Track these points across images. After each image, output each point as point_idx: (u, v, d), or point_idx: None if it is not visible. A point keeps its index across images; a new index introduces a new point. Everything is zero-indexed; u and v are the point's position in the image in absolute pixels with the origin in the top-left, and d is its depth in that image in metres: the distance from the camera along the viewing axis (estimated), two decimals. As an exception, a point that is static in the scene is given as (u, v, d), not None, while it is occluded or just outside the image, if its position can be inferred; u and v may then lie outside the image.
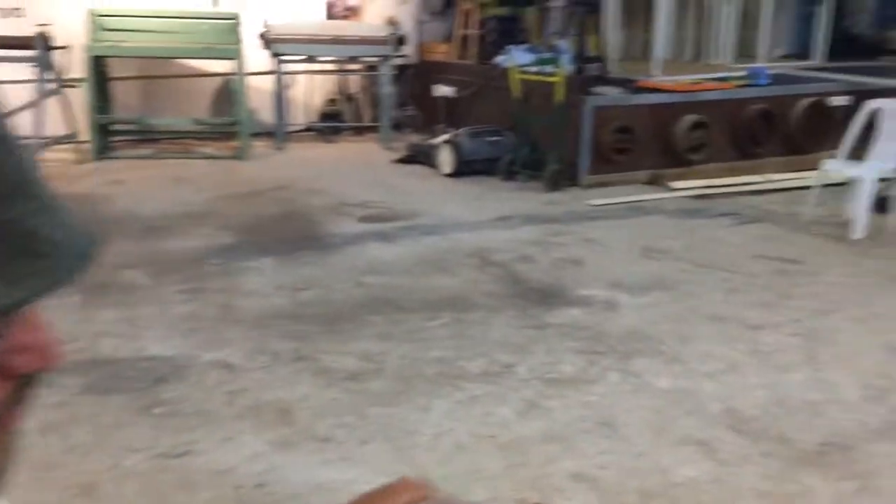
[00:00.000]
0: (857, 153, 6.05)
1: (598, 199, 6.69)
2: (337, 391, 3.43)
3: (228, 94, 8.58)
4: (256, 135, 8.50)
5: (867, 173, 5.77)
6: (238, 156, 8.14)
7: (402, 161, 8.11)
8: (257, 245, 5.43)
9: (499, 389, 3.45)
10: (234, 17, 8.12)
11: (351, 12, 9.68)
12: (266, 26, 8.43)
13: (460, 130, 7.82)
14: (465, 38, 9.18)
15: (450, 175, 7.54)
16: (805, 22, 10.52)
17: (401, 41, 8.88)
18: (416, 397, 3.37)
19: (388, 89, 8.91)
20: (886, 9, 11.95)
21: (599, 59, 8.38)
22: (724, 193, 6.99)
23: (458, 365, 3.68)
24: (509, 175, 7.37)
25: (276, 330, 4.04)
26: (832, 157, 6.20)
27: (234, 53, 8.06)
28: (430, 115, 9.06)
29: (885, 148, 5.94)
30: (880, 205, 6.00)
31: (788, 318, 4.19)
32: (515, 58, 7.71)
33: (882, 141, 5.98)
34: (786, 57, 10.30)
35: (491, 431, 3.12)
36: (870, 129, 6.06)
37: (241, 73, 8.16)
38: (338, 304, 4.42)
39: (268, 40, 8.42)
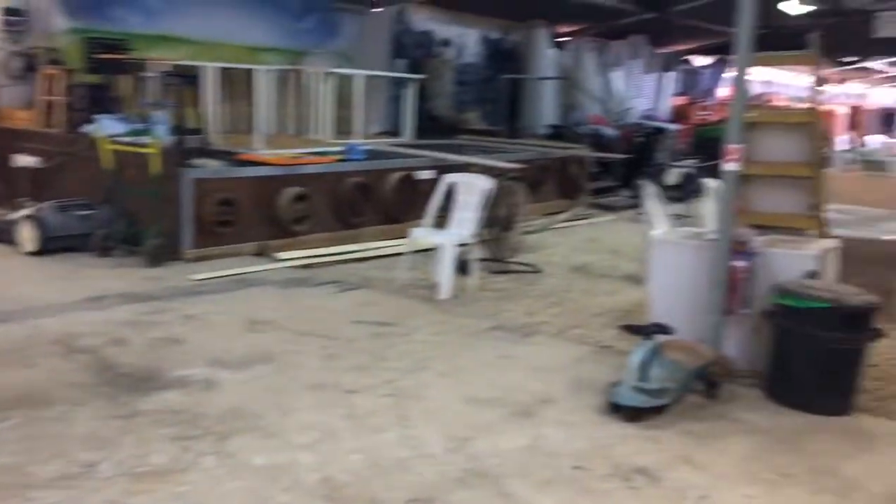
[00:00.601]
0: (442, 221, 6.69)
1: (202, 272, 6.48)
2: None
3: None
4: None
5: (448, 240, 6.38)
6: None
7: (-27, 239, 7.11)
8: None
9: (76, 494, 3.07)
10: None
11: None
12: None
13: (45, 204, 7.09)
14: (49, 105, 8.42)
15: (33, 253, 6.77)
16: (396, 103, 11.53)
17: (-33, 105, 7.86)
18: (-32, 519, 2.86)
19: (-47, 158, 7.79)
20: (461, 94, 13.65)
21: (199, 131, 8.24)
22: (328, 262, 7.24)
23: (27, 471, 3.21)
24: (104, 251, 6.84)
25: None
26: (420, 225, 6.75)
27: None
28: (10, 188, 8.09)
29: (462, 217, 6.65)
30: (462, 267, 6.67)
31: (382, 380, 4.39)
32: (106, 127, 7.25)
33: (459, 211, 6.69)
34: (380, 134, 11.16)
35: (63, 544, 2.74)
36: (451, 199, 6.76)
37: None
38: None
39: None
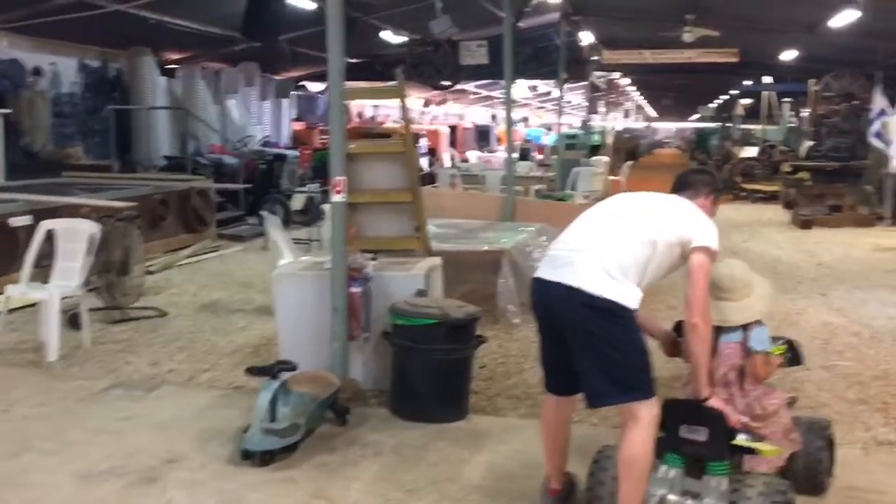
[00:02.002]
0: (45, 273, 5.98)
1: None
2: None
3: None
4: None
5: (52, 293, 5.71)
6: None
7: None
8: None
9: None
10: None
11: None
12: None
13: None
14: None
15: None
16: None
17: None
18: None
19: None
20: (62, 128, 12.47)
21: None
22: None
23: None
24: None
25: None
26: (18, 280, 5.97)
27: None
28: None
29: (66, 266, 6.00)
30: (73, 322, 6.04)
31: (-28, 473, 3.77)
32: None
33: (62, 260, 6.03)
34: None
35: None
36: (53, 247, 6.06)
37: None
38: None
39: None
